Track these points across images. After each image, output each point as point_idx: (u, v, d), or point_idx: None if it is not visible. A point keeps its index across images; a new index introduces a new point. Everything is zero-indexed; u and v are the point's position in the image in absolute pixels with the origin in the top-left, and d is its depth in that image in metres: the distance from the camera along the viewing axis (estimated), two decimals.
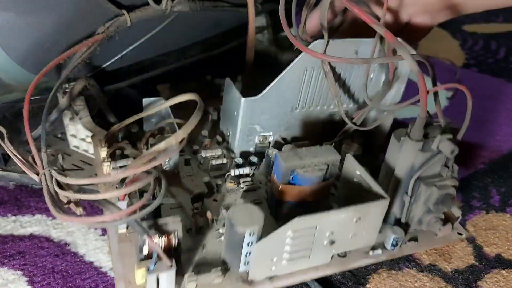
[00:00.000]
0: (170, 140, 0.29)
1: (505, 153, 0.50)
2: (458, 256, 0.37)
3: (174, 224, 0.26)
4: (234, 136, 0.37)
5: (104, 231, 0.36)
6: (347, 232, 0.29)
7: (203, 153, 0.37)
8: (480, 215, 0.42)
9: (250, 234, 0.26)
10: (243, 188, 0.35)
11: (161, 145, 0.29)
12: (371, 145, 0.41)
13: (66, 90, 0.37)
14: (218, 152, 0.37)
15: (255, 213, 0.27)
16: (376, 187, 0.30)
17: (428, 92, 0.29)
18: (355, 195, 0.32)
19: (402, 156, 0.31)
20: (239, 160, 0.37)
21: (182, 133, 0.29)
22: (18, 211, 0.37)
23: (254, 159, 0.37)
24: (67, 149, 0.40)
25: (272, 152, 0.36)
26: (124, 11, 0.36)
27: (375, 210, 0.29)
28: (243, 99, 0.35)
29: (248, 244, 0.27)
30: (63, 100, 0.36)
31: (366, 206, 0.28)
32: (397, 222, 0.33)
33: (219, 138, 0.40)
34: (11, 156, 0.29)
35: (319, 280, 0.34)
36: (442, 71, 0.66)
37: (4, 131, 0.30)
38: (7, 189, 0.39)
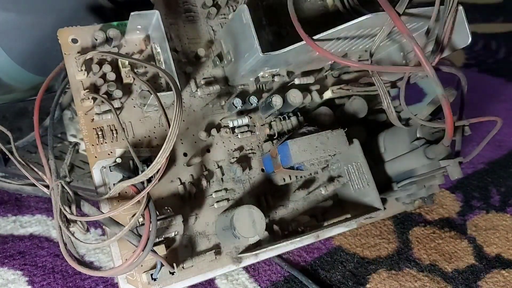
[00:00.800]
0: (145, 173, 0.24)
1: (505, 153, 0.50)
2: (458, 256, 0.37)
3: (177, 226, 0.27)
4: (236, 69, 0.32)
5: (104, 232, 0.36)
6: None
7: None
8: (480, 215, 0.41)
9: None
10: (237, 136, 0.33)
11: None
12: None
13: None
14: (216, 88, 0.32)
15: (258, 221, 0.28)
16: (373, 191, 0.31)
17: (454, 124, 0.28)
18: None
19: (407, 158, 0.32)
20: (237, 103, 0.31)
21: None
22: (18, 211, 0.37)
23: (253, 100, 0.32)
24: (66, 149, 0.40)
25: (276, 101, 0.31)
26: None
27: None
28: (260, 54, 0.28)
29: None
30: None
31: None
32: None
33: (216, 60, 0.33)
34: (17, 164, 0.27)
35: (318, 281, 0.34)
36: (442, 71, 0.66)
37: (10, 135, 0.29)
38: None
